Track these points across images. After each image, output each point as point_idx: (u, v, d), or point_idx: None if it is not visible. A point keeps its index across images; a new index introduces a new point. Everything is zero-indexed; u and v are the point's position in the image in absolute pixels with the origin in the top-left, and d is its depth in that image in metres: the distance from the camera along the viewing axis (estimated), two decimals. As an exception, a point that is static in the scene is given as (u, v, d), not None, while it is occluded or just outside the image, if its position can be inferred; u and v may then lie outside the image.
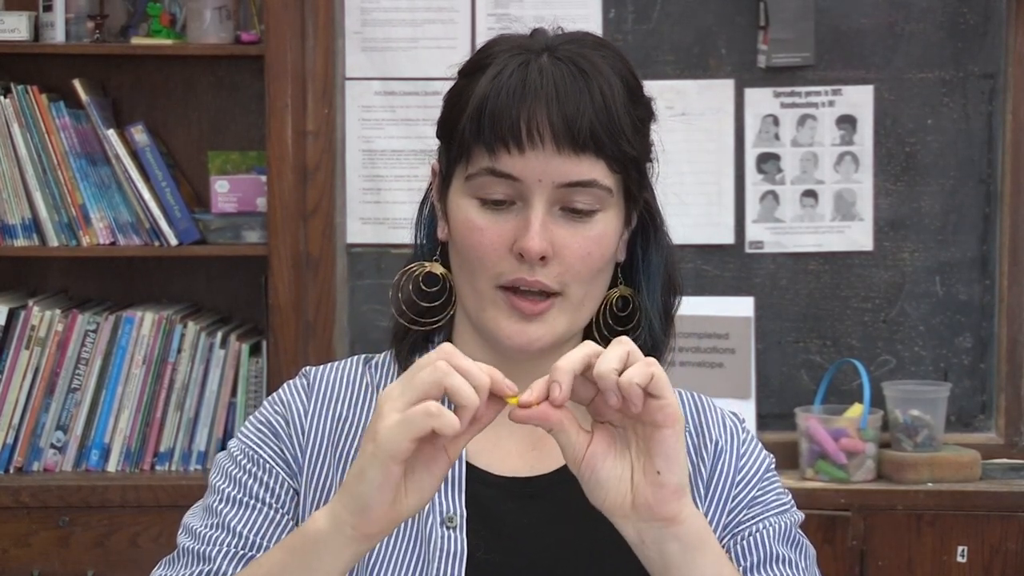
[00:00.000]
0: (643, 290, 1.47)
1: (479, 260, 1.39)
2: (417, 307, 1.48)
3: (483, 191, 1.38)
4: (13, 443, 3.12)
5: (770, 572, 1.42)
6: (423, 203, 1.51)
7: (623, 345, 1.21)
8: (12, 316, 3.13)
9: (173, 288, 3.38)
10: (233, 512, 1.42)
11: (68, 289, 3.38)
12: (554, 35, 1.42)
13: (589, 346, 1.22)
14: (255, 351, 3.20)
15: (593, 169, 1.37)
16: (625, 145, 1.37)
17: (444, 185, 1.44)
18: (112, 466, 3.12)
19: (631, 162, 1.39)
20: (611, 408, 1.21)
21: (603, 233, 1.39)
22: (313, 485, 1.44)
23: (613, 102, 1.36)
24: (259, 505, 1.43)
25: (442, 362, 1.18)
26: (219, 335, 3.17)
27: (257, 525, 1.41)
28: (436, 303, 1.47)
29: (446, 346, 1.21)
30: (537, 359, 1.41)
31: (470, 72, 1.41)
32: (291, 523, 1.43)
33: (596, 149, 1.36)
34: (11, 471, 3.11)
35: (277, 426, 1.47)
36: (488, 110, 1.36)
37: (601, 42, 1.43)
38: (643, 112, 1.42)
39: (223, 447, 3.06)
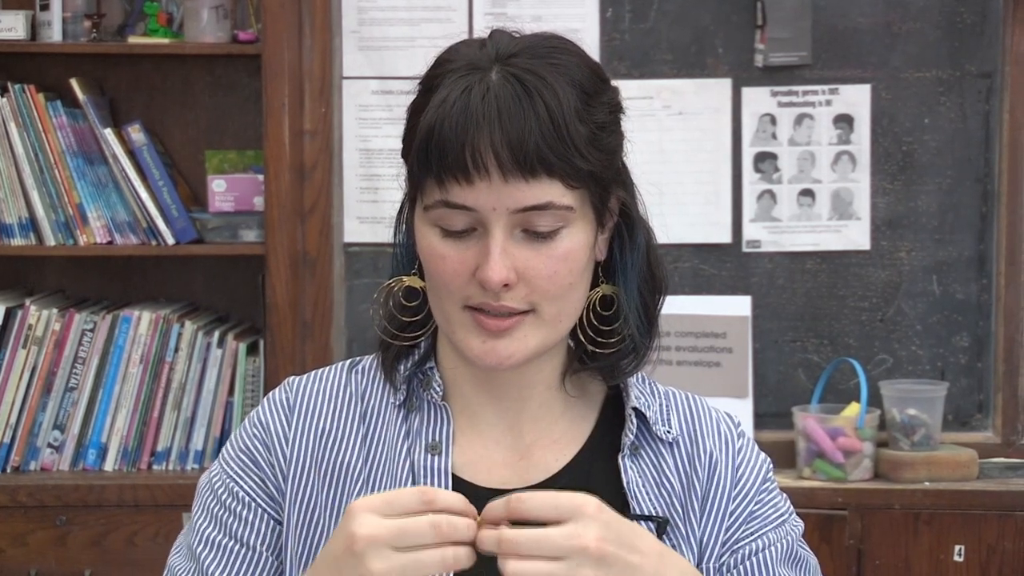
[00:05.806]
0: (621, 289, 1.44)
1: (445, 286, 1.36)
2: (398, 322, 1.45)
3: (442, 222, 1.35)
4: (10, 442, 3.12)
5: None
6: (399, 215, 1.47)
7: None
8: (9, 315, 3.13)
9: (170, 287, 3.38)
10: (215, 560, 1.43)
11: (65, 288, 3.37)
12: (508, 42, 1.37)
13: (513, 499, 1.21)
14: (252, 350, 3.20)
15: (548, 191, 1.32)
16: (578, 161, 1.32)
17: (411, 206, 1.41)
18: (109, 465, 3.12)
19: (588, 176, 1.34)
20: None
21: (569, 250, 1.35)
22: (297, 505, 1.43)
23: (562, 117, 1.31)
24: (241, 549, 1.43)
25: (442, 518, 1.19)
26: (216, 334, 3.17)
27: (241, 573, 1.42)
28: (419, 316, 1.45)
29: (427, 491, 1.21)
30: (518, 372, 1.41)
31: (424, 89, 1.37)
32: (274, 562, 1.43)
33: (547, 170, 1.31)
34: (8, 470, 3.11)
35: (257, 454, 1.45)
36: (433, 143, 1.32)
37: (555, 46, 1.37)
38: (602, 115, 1.36)
39: (220, 446, 3.09)
